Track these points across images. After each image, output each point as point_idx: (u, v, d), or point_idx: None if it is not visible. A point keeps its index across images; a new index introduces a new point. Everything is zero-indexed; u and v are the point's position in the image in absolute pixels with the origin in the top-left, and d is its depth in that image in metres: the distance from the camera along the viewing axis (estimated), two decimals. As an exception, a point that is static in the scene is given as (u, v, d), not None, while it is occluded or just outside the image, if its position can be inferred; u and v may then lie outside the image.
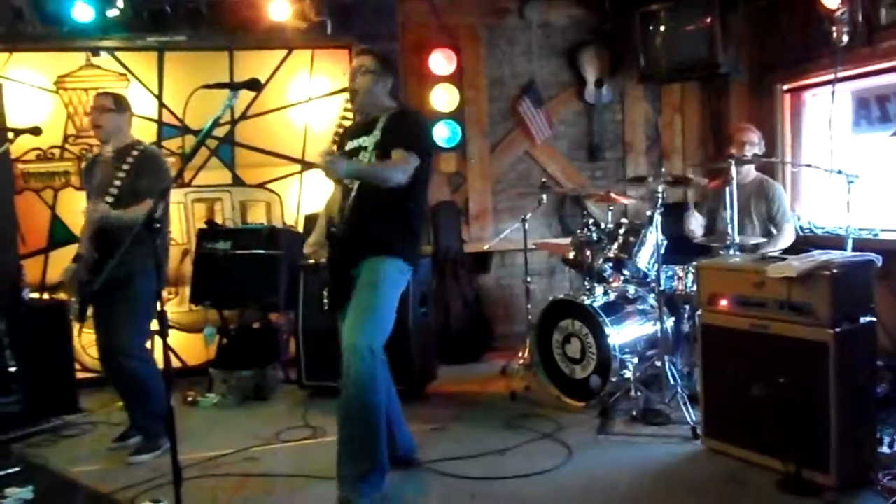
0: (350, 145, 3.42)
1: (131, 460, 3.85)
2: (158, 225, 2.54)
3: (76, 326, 5.17)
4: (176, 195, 5.37)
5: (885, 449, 3.39)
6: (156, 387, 3.87)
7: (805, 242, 4.66)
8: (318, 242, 3.58)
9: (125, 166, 3.84)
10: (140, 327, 3.92)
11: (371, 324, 3.15)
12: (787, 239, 4.57)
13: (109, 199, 3.83)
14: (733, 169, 4.14)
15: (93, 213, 3.80)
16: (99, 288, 3.56)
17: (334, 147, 3.12)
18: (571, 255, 4.70)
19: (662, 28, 5.74)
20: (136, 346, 3.90)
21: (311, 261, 3.70)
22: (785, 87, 5.59)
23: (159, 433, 3.84)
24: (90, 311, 3.96)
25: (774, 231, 4.61)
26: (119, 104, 4.04)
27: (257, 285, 5.00)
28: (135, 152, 3.90)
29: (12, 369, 4.34)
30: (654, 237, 4.30)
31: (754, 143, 4.61)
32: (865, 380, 3.24)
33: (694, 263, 4.11)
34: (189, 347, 5.54)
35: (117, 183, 3.83)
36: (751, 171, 4.71)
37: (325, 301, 3.38)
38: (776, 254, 4.01)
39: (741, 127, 4.86)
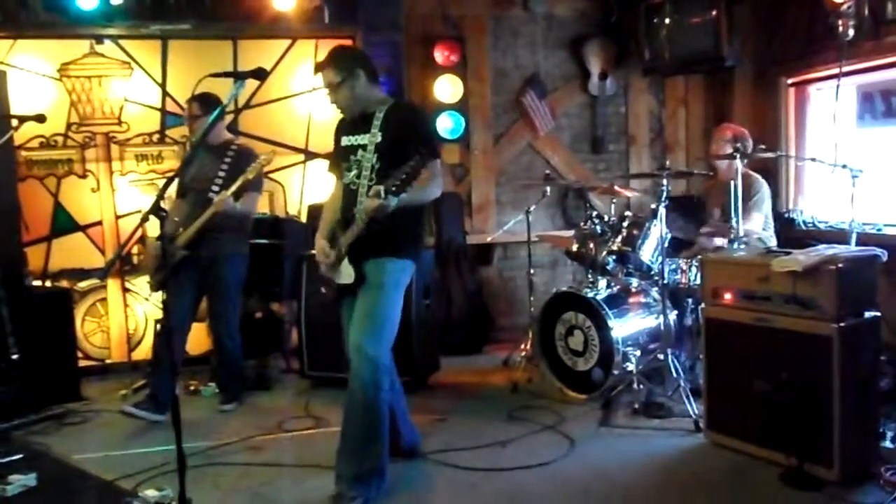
0: (346, 141, 3.32)
1: (223, 409, 4.50)
2: (165, 213, 2.55)
3: (79, 311, 5.21)
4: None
5: (888, 443, 3.40)
6: (239, 356, 4.61)
7: (808, 237, 4.66)
8: (323, 250, 3.31)
9: (226, 160, 4.30)
10: (235, 311, 4.59)
11: (378, 330, 3.12)
12: (749, 224, 4.45)
13: (215, 188, 4.24)
14: (738, 164, 4.12)
15: (219, 203, 4.16)
16: (181, 266, 4.25)
17: (381, 188, 2.84)
18: (575, 247, 4.69)
19: (667, 20, 5.71)
20: (233, 328, 4.55)
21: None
22: (790, 81, 5.58)
23: (240, 389, 4.65)
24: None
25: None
26: (206, 105, 4.29)
27: (260, 275, 4.99)
28: (233, 147, 4.37)
29: (14, 356, 4.35)
30: (657, 230, 4.30)
31: (724, 140, 4.59)
32: (869, 374, 3.24)
33: (698, 257, 4.11)
34: (192, 337, 5.48)
35: (221, 174, 4.27)
36: (737, 168, 4.62)
37: (328, 291, 3.33)
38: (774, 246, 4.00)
39: (719, 128, 4.86)
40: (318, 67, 3.27)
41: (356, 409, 3.10)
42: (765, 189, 4.62)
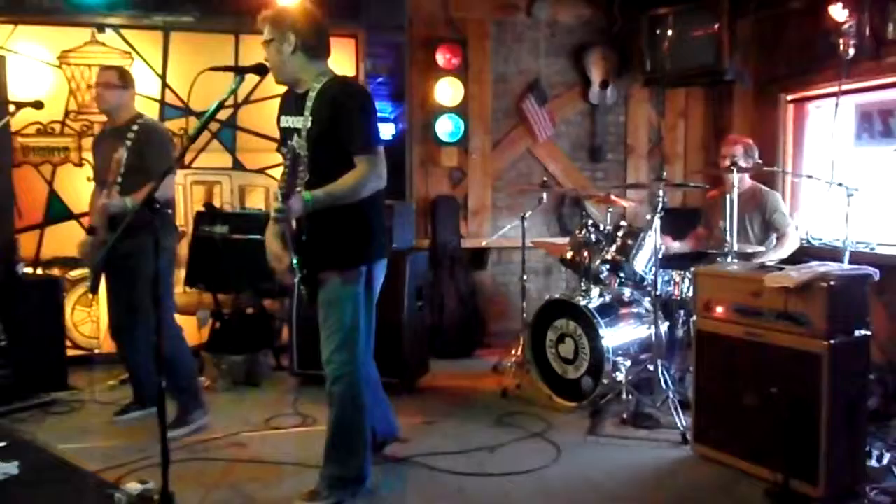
0: (284, 122, 3.08)
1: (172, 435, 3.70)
2: (158, 205, 2.52)
3: (69, 300, 5.20)
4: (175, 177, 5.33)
5: (873, 462, 3.40)
6: (181, 361, 3.93)
7: (802, 253, 4.67)
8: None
9: (129, 140, 3.82)
10: (167, 306, 3.94)
11: (341, 346, 3.04)
12: (791, 244, 4.55)
13: (119, 178, 3.79)
14: (735, 176, 4.14)
15: (111, 206, 3.73)
16: (107, 264, 3.79)
17: (277, 192, 2.73)
18: (569, 255, 4.70)
19: (670, 32, 5.73)
20: (170, 325, 3.95)
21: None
22: (789, 97, 5.59)
23: (189, 408, 3.95)
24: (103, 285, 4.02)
25: (776, 238, 4.61)
26: (124, 79, 3.98)
27: (253, 270, 4.94)
28: (135, 126, 3.87)
29: (2, 343, 4.32)
30: (652, 241, 4.30)
31: (736, 155, 4.58)
32: (857, 393, 3.25)
33: (691, 269, 4.12)
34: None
35: (124, 154, 3.79)
36: (744, 181, 4.67)
37: (304, 294, 3.15)
38: (773, 263, 4.01)
39: (727, 139, 4.86)
40: (260, 18, 3.01)
41: (335, 424, 3.10)
42: (783, 204, 4.66)
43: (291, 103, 3.07)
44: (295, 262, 3.03)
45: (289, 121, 3.04)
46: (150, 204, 2.50)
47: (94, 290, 3.99)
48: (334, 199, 2.88)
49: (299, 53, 2.97)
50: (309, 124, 2.92)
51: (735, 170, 4.19)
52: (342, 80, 3.11)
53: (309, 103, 2.93)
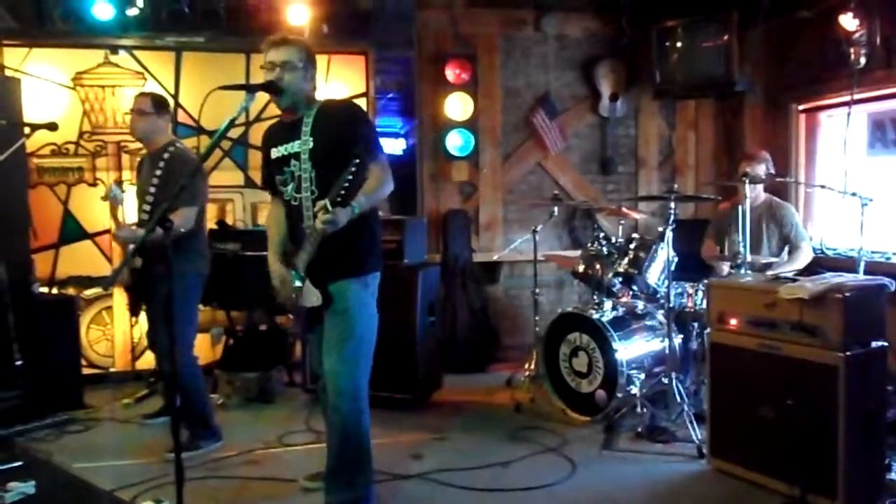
0: (276, 153, 3.11)
1: (169, 457, 3.68)
2: (169, 224, 2.52)
3: (84, 319, 5.22)
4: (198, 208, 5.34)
5: (892, 475, 3.35)
6: (196, 392, 3.97)
7: (816, 264, 4.64)
8: (283, 276, 3.10)
9: (159, 168, 3.91)
10: (177, 331, 3.57)
11: (352, 357, 2.99)
12: (804, 258, 4.55)
13: (149, 198, 3.89)
14: (747, 188, 4.13)
15: (118, 236, 3.83)
16: (140, 286, 3.90)
17: (326, 203, 2.74)
18: (581, 268, 4.69)
19: (679, 44, 5.75)
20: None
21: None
22: (800, 107, 5.57)
23: (200, 435, 3.99)
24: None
25: (788, 252, 4.59)
26: (158, 106, 4.02)
27: (265, 287, 4.97)
28: (167, 154, 3.93)
29: (18, 363, 4.35)
30: (664, 253, 4.28)
31: (763, 165, 4.58)
32: (875, 404, 3.21)
33: (704, 281, 4.10)
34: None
35: (155, 182, 3.90)
36: (760, 194, 4.67)
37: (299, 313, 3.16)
38: (788, 274, 3.99)
39: (748, 155, 4.82)
40: (285, 41, 3.07)
41: (340, 442, 3.02)
42: (798, 217, 4.68)
43: (279, 134, 3.13)
44: (297, 282, 3.01)
45: (281, 150, 3.09)
46: (163, 223, 2.50)
47: (132, 312, 4.06)
48: (370, 203, 2.95)
49: (313, 82, 3.10)
50: (311, 145, 2.97)
51: (748, 181, 4.18)
52: (336, 101, 3.28)
53: (306, 128, 3.00)
